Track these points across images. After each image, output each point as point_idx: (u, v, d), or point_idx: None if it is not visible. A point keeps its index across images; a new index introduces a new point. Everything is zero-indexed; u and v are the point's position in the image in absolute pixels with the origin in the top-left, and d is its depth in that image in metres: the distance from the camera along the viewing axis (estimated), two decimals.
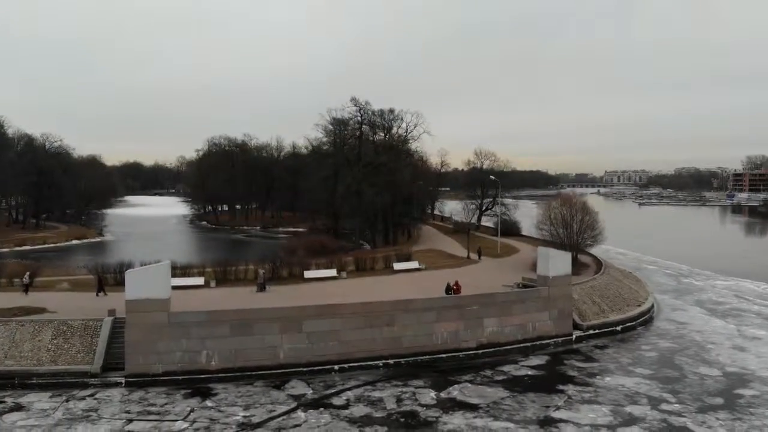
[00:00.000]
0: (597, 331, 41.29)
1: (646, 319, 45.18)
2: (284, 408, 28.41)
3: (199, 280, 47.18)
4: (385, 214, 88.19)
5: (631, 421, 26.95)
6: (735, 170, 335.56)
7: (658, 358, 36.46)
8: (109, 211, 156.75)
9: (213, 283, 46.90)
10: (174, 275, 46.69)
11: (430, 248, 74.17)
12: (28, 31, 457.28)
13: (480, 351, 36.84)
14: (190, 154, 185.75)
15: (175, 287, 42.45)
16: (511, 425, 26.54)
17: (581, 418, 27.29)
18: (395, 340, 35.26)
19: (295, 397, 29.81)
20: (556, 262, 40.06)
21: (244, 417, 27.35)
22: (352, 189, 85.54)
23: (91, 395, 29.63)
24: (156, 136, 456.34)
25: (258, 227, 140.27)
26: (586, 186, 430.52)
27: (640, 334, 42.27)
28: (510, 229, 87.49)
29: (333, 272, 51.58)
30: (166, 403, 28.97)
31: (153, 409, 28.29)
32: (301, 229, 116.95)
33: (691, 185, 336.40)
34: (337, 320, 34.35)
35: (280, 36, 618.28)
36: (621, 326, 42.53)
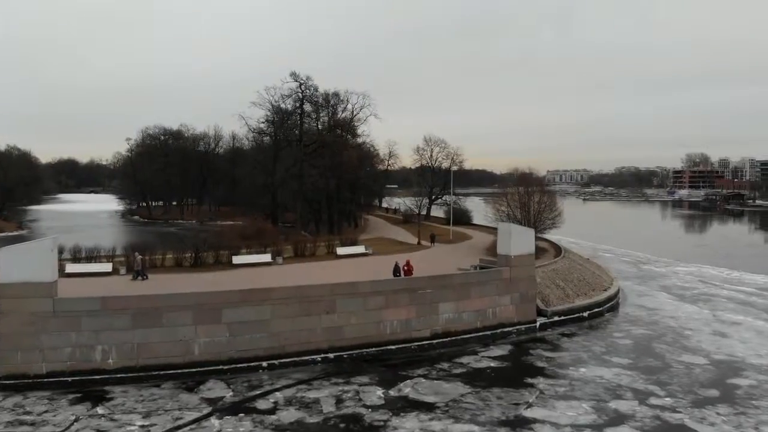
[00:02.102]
0: (562, 317, 36.98)
1: (613, 305, 41.23)
2: (194, 414, 22.68)
3: (107, 267, 40.52)
4: (330, 200, 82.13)
5: (619, 419, 22.34)
6: (675, 168, 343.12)
7: (634, 346, 32.24)
8: (36, 207, 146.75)
9: (123, 270, 40.21)
10: (78, 261, 40.89)
11: (378, 236, 69.07)
12: None
13: (435, 341, 31.79)
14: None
15: (77, 274, 36.76)
16: (475, 428, 21.54)
17: (558, 416, 22.53)
18: (336, 330, 29.77)
19: (210, 401, 24.10)
20: (519, 240, 35.41)
21: (142, 427, 21.54)
22: (293, 171, 78.92)
23: None
24: (97, 136, 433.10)
25: (194, 221, 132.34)
26: None
27: (610, 321, 38.22)
28: (461, 217, 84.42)
29: (267, 257, 45.45)
30: (45, 411, 22.85)
31: (27, 418, 22.16)
32: (239, 222, 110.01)
33: (631, 183, 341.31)
34: (266, 308, 28.58)
35: (227, 34, 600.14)
36: (588, 312, 38.35)
